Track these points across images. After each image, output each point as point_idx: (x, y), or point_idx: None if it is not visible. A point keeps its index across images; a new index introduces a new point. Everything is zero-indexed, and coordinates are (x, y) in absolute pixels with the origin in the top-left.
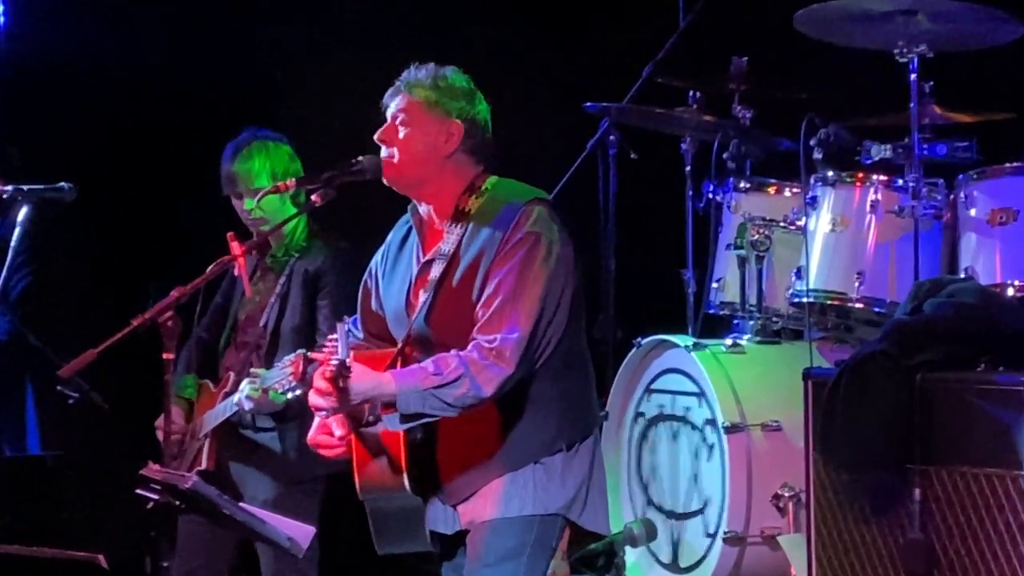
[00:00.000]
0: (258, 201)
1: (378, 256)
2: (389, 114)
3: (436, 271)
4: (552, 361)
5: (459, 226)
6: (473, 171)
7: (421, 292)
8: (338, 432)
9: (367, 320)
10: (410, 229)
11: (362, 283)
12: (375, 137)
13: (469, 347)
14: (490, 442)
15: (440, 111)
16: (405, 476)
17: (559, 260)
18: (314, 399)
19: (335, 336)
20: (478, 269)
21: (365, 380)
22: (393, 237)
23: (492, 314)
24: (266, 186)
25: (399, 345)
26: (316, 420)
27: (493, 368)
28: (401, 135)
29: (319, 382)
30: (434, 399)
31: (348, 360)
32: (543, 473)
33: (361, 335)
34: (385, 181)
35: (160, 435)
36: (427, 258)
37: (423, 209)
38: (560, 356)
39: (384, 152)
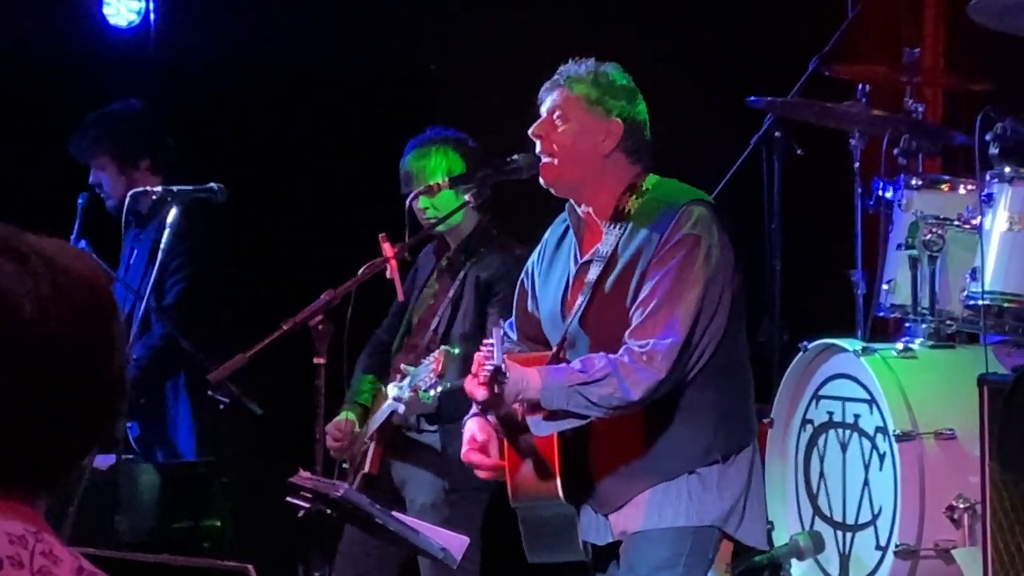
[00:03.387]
0: (415, 197)
1: (534, 256)
2: (545, 109)
3: (593, 273)
4: (709, 368)
5: (618, 227)
6: (632, 171)
7: (578, 294)
8: (494, 452)
9: (522, 322)
10: (567, 229)
11: (518, 284)
12: (530, 132)
13: (620, 350)
14: (643, 450)
15: (600, 109)
16: (559, 483)
17: (718, 264)
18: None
19: (490, 340)
20: (635, 271)
21: (516, 376)
22: (549, 237)
23: (647, 318)
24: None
25: (554, 348)
26: (466, 435)
27: (642, 372)
28: (559, 132)
29: (471, 387)
30: (578, 396)
31: (504, 366)
32: (698, 483)
33: (515, 337)
34: (543, 184)
35: (330, 442)
36: (585, 259)
37: (581, 209)
38: (718, 363)
39: (539, 148)
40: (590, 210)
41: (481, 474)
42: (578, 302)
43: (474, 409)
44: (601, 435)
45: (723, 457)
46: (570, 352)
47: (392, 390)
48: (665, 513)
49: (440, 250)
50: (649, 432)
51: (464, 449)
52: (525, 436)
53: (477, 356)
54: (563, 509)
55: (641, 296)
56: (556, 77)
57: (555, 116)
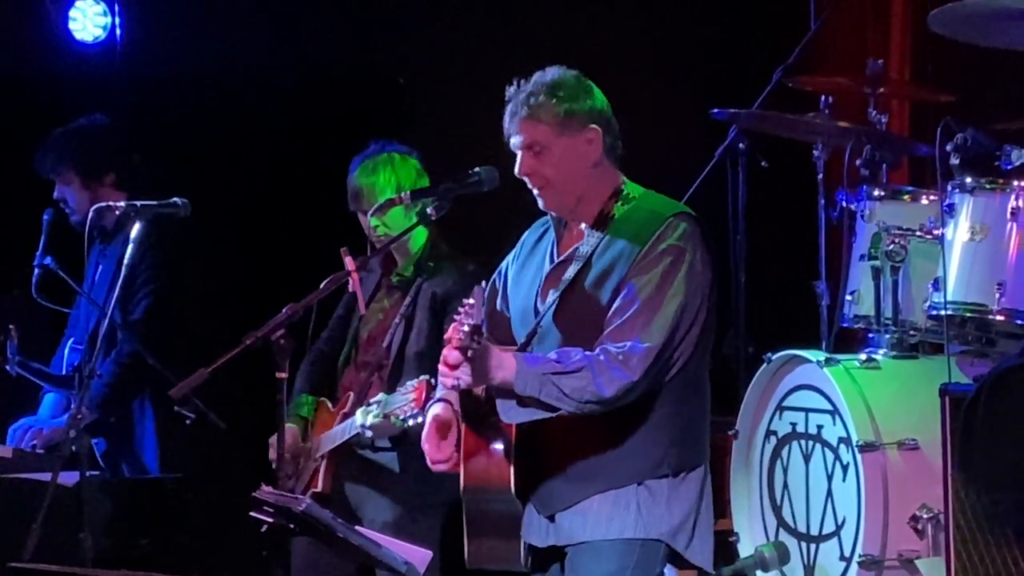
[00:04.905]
0: (373, 214)
1: (510, 256)
2: (517, 145)
3: (570, 271)
4: (673, 383)
5: (600, 230)
6: (617, 176)
7: (551, 292)
8: (450, 440)
9: (491, 322)
10: (546, 230)
11: (489, 283)
12: (517, 173)
13: (597, 350)
14: (595, 454)
15: (574, 124)
16: (512, 476)
17: (699, 279)
18: (444, 375)
19: (470, 301)
20: (613, 274)
21: (493, 354)
22: (527, 238)
23: (625, 322)
24: None
25: (522, 342)
26: (426, 427)
27: (617, 371)
28: (543, 164)
29: (450, 354)
30: (551, 386)
31: (483, 326)
32: (647, 495)
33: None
34: (547, 210)
35: (272, 452)
36: (562, 258)
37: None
38: (681, 379)
39: (530, 183)
40: (578, 215)
41: (434, 465)
42: (550, 298)
43: (439, 392)
44: (557, 433)
45: (674, 472)
46: (538, 348)
47: (360, 416)
48: (613, 524)
49: (386, 265)
50: (603, 437)
51: (425, 433)
52: (485, 423)
53: (453, 324)
54: (511, 507)
55: (620, 300)
56: (514, 109)
57: (535, 152)
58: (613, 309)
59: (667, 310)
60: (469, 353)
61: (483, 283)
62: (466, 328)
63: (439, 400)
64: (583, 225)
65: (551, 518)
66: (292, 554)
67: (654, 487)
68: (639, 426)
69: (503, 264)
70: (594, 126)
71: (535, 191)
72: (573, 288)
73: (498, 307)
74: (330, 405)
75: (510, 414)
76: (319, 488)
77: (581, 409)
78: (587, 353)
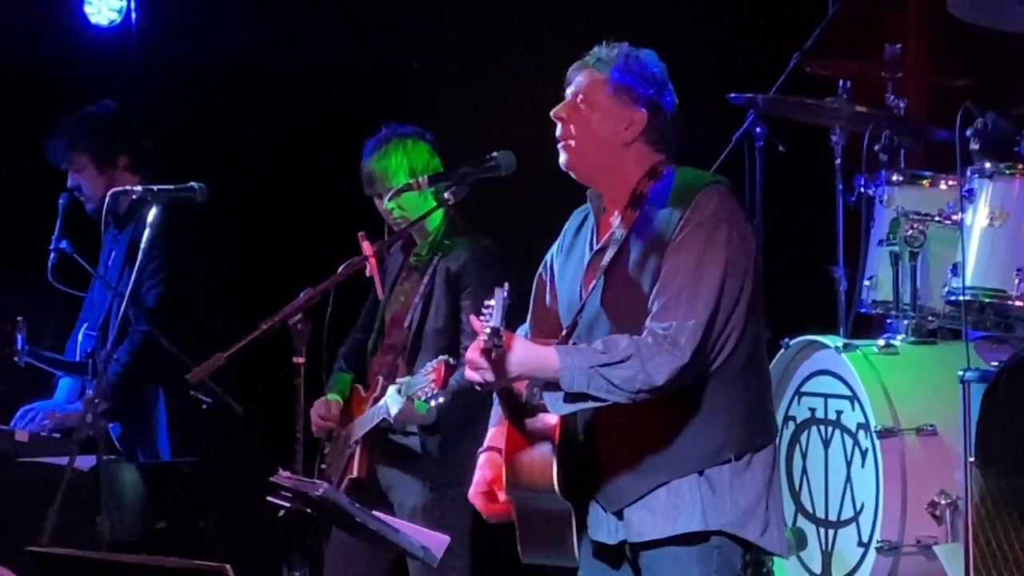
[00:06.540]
0: (391, 198)
1: (554, 248)
2: (570, 91)
3: (608, 256)
4: (729, 363)
5: (633, 210)
6: (654, 158)
7: (592, 279)
8: (502, 497)
9: (539, 318)
10: (586, 217)
11: (536, 277)
12: (552, 113)
13: (644, 332)
14: (652, 444)
15: (627, 96)
16: (555, 474)
17: (741, 249)
18: (469, 373)
19: (491, 302)
20: (652, 254)
21: (526, 353)
22: (568, 227)
23: (669, 300)
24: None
25: (563, 334)
26: (476, 476)
27: (666, 355)
28: (581, 116)
29: (472, 354)
30: (599, 378)
31: (502, 328)
32: (707, 486)
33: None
34: (564, 167)
35: (314, 420)
36: (599, 245)
37: (601, 194)
38: (737, 358)
39: (559, 131)
40: (607, 195)
41: (484, 507)
42: (592, 285)
43: (493, 413)
44: (609, 427)
45: (737, 456)
46: (588, 337)
47: (387, 397)
48: (680, 518)
49: (407, 247)
50: (659, 425)
51: (472, 490)
52: (530, 420)
53: (475, 322)
54: (558, 505)
55: (662, 278)
56: (587, 58)
57: (579, 100)
58: (656, 289)
59: (710, 284)
60: (493, 355)
61: (505, 285)
62: (487, 330)
63: (486, 450)
64: (617, 208)
65: (618, 514)
66: (328, 540)
67: (715, 476)
68: (696, 412)
69: (547, 257)
70: (643, 111)
71: (559, 144)
72: (613, 273)
73: (547, 304)
74: (362, 391)
75: (558, 406)
76: (355, 474)
77: (633, 399)
78: (634, 338)
